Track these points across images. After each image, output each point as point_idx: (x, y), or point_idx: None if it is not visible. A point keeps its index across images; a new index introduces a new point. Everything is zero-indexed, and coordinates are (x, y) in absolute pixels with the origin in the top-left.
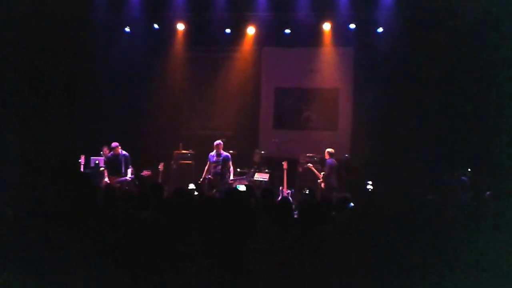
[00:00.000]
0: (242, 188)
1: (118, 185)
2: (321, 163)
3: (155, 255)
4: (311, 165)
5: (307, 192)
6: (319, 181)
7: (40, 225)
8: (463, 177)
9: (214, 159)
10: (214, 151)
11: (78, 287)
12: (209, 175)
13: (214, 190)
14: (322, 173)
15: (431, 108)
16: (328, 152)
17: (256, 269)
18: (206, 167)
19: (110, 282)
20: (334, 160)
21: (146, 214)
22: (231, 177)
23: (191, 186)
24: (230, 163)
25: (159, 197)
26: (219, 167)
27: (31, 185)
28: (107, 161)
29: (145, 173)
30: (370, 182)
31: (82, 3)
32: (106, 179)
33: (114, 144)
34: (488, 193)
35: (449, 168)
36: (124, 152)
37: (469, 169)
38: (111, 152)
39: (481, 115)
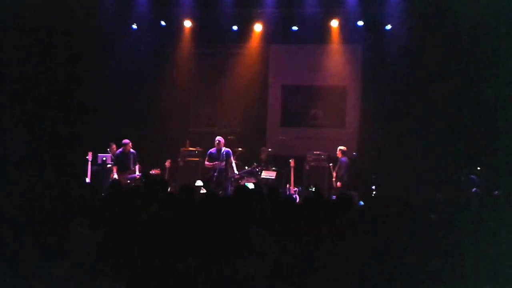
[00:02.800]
0: (250, 186)
1: (128, 181)
2: (328, 161)
3: (160, 251)
4: (332, 164)
5: (313, 190)
6: (333, 179)
7: (42, 224)
8: (472, 176)
9: (220, 155)
10: (215, 148)
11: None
12: (215, 172)
13: (220, 188)
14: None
15: (439, 106)
16: (340, 150)
17: (260, 269)
18: (208, 162)
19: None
20: (346, 158)
21: (152, 210)
22: (236, 171)
23: (199, 183)
24: (232, 158)
25: (163, 192)
26: (223, 163)
27: (35, 184)
28: (116, 158)
29: (154, 171)
30: (374, 187)
31: (89, 0)
32: (115, 176)
33: (125, 140)
34: (496, 192)
35: (458, 166)
36: (132, 149)
37: (478, 168)
38: (121, 149)
39: (491, 113)
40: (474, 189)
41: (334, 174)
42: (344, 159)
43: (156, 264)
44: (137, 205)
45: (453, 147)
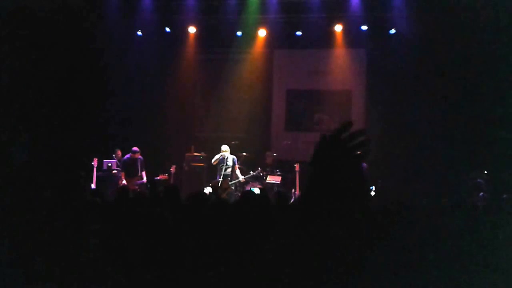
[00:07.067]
0: (256, 190)
1: (136, 187)
2: None
3: (166, 256)
4: None
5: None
6: None
7: (46, 225)
8: (478, 180)
9: (225, 162)
10: (223, 153)
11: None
12: (219, 177)
13: (225, 193)
14: None
15: (445, 109)
16: None
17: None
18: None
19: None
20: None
21: (158, 215)
22: (240, 177)
23: (208, 189)
24: (236, 165)
25: (174, 199)
26: (229, 169)
27: (40, 188)
28: (124, 164)
29: (161, 176)
30: (373, 188)
31: (94, 7)
32: (124, 181)
33: (136, 148)
34: (504, 196)
35: (465, 170)
36: (139, 155)
37: (485, 171)
38: (128, 155)
39: (496, 116)
40: (481, 194)
41: None
42: None
43: (162, 271)
44: (143, 211)
45: (459, 151)
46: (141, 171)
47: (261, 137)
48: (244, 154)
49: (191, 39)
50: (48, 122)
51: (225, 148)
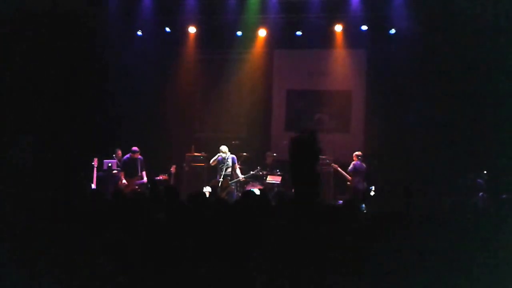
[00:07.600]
0: (256, 191)
1: (136, 187)
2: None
3: (166, 256)
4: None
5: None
6: (348, 183)
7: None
8: (478, 180)
9: (224, 162)
10: (222, 154)
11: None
12: (220, 177)
13: (225, 193)
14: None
15: (445, 109)
16: (355, 155)
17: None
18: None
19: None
20: (358, 162)
21: (160, 216)
22: (240, 176)
23: (207, 189)
24: (236, 164)
25: (174, 200)
26: (229, 169)
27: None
28: (123, 164)
29: (162, 177)
30: (373, 188)
31: (94, 7)
32: (124, 181)
33: (135, 148)
34: (504, 196)
35: (465, 170)
36: (139, 155)
37: (484, 172)
38: (129, 155)
39: (496, 116)
40: (481, 194)
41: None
42: (355, 163)
43: (163, 270)
44: (143, 211)
45: (459, 151)
46: (141, 171)
47: (261, 137)
48: (244, 154)
49: (191, 39)
50: (48, 122)
51: (224, 148)
